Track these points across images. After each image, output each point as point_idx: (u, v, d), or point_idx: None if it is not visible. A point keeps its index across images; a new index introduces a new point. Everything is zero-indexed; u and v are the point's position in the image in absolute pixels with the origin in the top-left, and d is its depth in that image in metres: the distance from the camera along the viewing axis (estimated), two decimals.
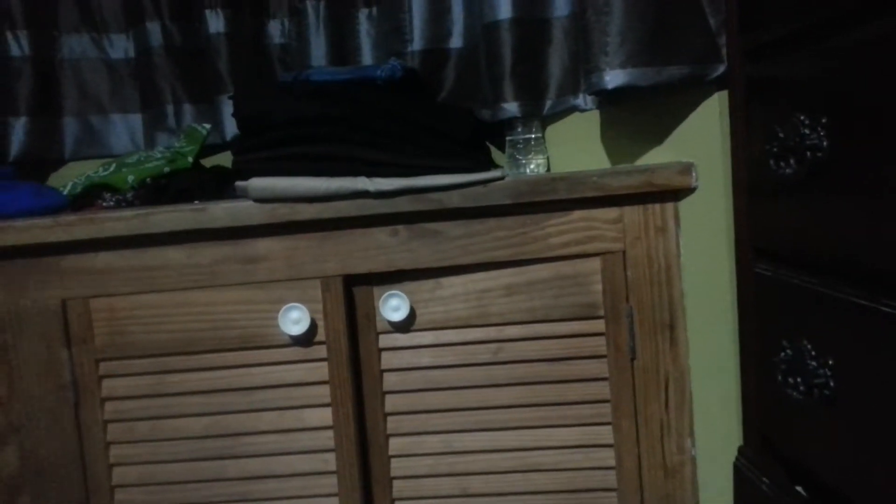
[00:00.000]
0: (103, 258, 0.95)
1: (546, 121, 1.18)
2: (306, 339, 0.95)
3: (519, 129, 1.14)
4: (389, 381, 0.97)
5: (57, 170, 1.34)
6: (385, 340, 0.96)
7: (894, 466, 0.59)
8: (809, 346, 0.70)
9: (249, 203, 0.92)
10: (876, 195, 0.59)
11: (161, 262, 0.95)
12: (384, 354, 0.97)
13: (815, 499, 0.73)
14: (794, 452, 0.77)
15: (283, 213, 0.92)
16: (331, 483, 0.96)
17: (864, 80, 0.60)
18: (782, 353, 0.75)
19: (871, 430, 0.61)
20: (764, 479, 0.82)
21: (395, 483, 0.98)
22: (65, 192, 1.13)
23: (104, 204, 1.10)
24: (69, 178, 1.18)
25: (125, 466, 0.98)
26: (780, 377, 0.75)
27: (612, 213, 0.92)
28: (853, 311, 0.63)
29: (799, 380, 0.71)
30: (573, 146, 1.15)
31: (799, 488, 0.76)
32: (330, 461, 0.96)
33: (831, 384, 0.66)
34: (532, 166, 1.13)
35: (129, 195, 1.10)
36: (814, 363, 0.69)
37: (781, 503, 0.77)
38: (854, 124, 0.61)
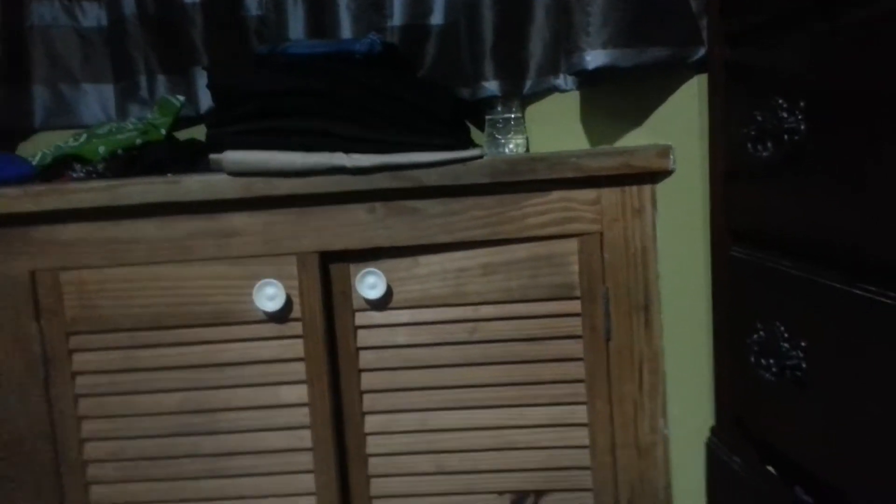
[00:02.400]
0: (73, 230, 0.93)
1: (526, 100, 1.18)
2: (281, 316, 0.94)
3: (499, 109, 1.13)
4: (365, 358, 0.97)
5: (26, 139, 1.31)
6: (361, 318, 0.96)
7: (863, 447, 0.60)
8: (783, 328, 0.71)
9: (224, 176, 0.91)
10: (851, 179, 0.59)
11: (133, 235, 0.93)
12: (360, 332, 0.96)
13: (785, 478, 0.75)
14: (766, 433, 0.78)
15: (259, 187, 0.90)
16: (306, 460, 0.96)
17: (840, 64, 0.60)
18: (755, 335, 0.76)
19: (842, 411, 0.63)
20: (735, 458, 0.83)
21: (371, 460, 0.98)
22: (34, 163, 1.10)
23: (74, 175, 1.08)
24: (39, 148, 1.15)
25: (97, 441, 0.97)
26: (752, 358, 0.76)
27: (590, 194, 0.92)
28: (827, 295, 0.64)
29: (771, 361, 0.72)
30: (553, 126, 1.15)
31: (770, 468, 0.78)
32: (305, 438, 0.96)
33: (803, 366, 0.67)
34: (511, 146, 1.13)
35: (100, 166, 1.07)
36: (786, 345, 0.70)
37: (752, 482, 0.78)
38: (831, 108, 0.61)
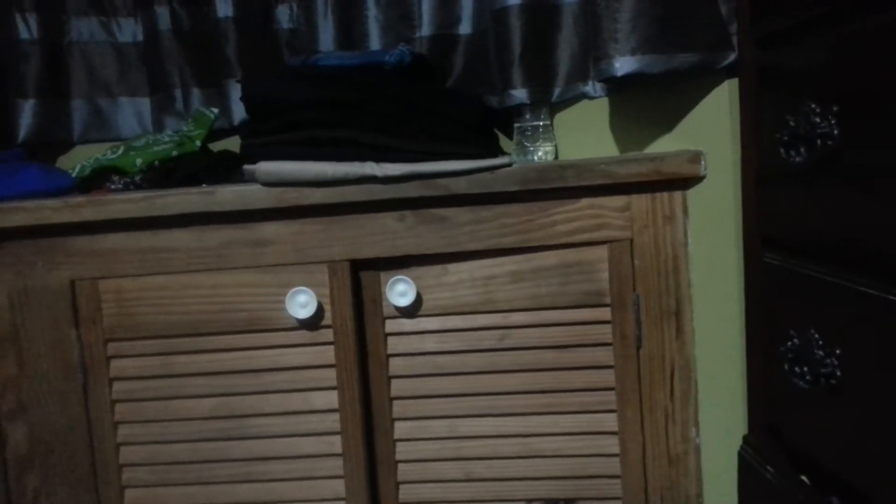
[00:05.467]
0: (112, 239, 0.96)
1: (554, 108, 1.18)
2: (313, 323, 0.95)
3: (527, 116, 1.13)
4: (395, 365, 0.97)
5: (66, 152, 1.34)
6: (391, 325, 0.97)
7: None
8: (817, 336, 0.70)
9: (257, 187, 0.92)
10: (886, 184, 0.58)
11: (169, 244, 0.95)
12: (390, 339, 0.97)
13: (819, 488, 0.74)
14: (799, 441, 0.77)
15: (291, 197, 0.92)
16: (336, 465, 0.97)
17: (875, 68, 0.59)
18: (789, 343, 0.75)
19: (877, 419, 0.61)
20: (768, 467, 0.82)
21: (400, 466, 0.99)
22: (74, 175, 1.13)
23: (112, 186, 1.10)
24: (78, 160, 1.18)
25: (132, 446, 0.99)
26: (786, 366, 0.75)
27: (619, 201, 0.92)
28: (862, 301, 0.63)
29: (805, 369, 0.71)
30: (582, 133, 1.15)
31: (803, 477, 0.76)
32: (336, 444, 0.97)
33: (838, 373, 0.66)
34: (540, 153, 1.13)
35: (137, 178, 1.10)
36: (821, 352, 0.69)
37: (786, 492, 0.77)
38: (865, 113, 0.61)
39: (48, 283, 0.96)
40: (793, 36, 0.74)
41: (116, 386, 0.98)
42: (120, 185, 1.10)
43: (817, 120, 0.67)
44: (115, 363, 0.98)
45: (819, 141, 0.66)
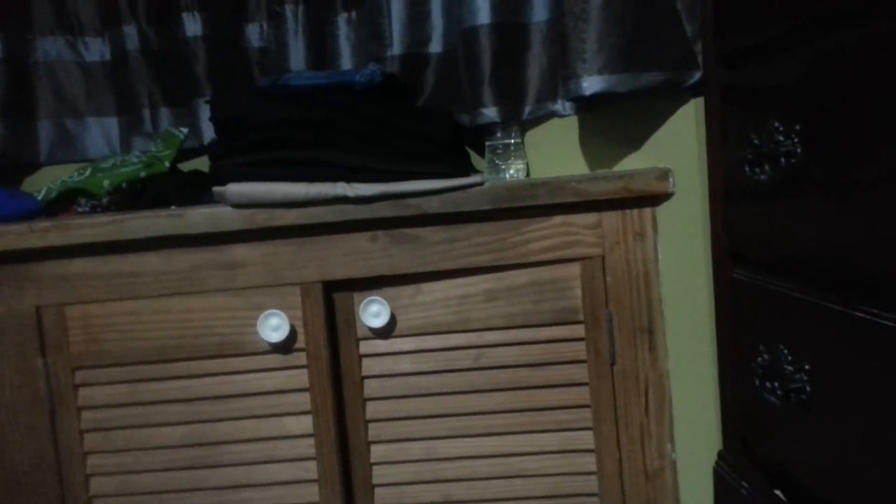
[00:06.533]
0: (78, 265, 0.94)
1: (525, 126, 1.18)
2: (286, 346, 0.94)
3: (498, 135, 1.14)
4: (370, 387, 0.97)
5: (31, 174, 1.32)
6: (365, 347, 0.96)
7: (869, 469, 0.60)
8: (786, 351, 0.71)
9: (227, 208, 0.91)
10: (849, 201, 0.59)
11: (137, 268, 0.94)
12: (365, 361, 0.96)
13: (793, 502, 0.74)
14: (773, 456, 0.77)
15: (262, 218, 0.91)
16: (312, 492, 0.96)
17: (836, 86, 0.60)
18: (759, 358, 0.76)
19: (847, 433, 0.62)
20: (743, 483, 0.82)
21: (378, 490, 0.98)
22: (39, 198, 1.11)
23: (79, 210, 1.09)
24: (44, 182, 1.16)
25: (103, 476, 0.97)
26: (757, 382, 0.76)
27: (590, 218, 0.93)
28: (828, 317, 0.63)
29: (776, 384, 0.72)
30: (552, 152, 1.16)
31: (778, 492, 0.77)
32: (311, 469, 0.96)
33: (808, 388, 0.67)
34: (511, 172, 1.13)
35: (105, 200, 1.09)
36: (790, 368, 0.69)
37: None
38: (827, 131, 0.62)
39: (13, 309, 0.94)
40: (755, 55, 0.75)
41: (85, 415, 0.96)
42: (87, 209, 1.08)
43: (781, 138, 0.68)
44: (83, 391, 0.95)
45: (783, 159, 0.67)
